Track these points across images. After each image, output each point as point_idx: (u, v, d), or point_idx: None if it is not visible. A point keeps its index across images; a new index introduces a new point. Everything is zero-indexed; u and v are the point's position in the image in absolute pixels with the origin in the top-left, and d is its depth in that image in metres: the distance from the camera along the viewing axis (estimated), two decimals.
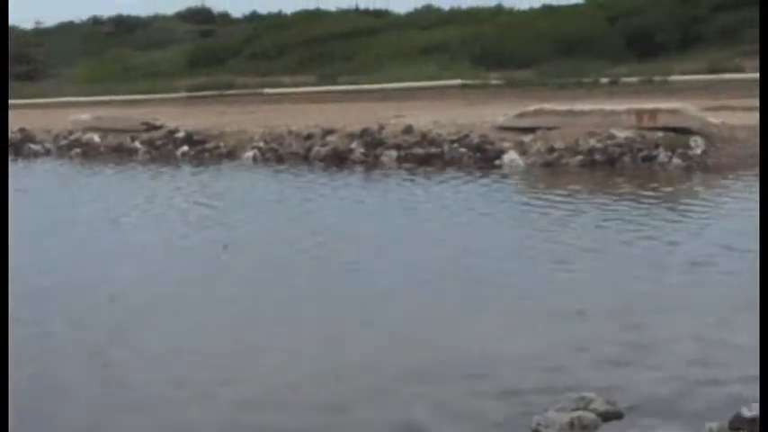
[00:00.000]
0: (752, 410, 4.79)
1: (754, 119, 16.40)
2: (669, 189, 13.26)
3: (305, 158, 17.76)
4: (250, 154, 18.44)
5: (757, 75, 29.39)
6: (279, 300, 7.95)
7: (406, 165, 16.40)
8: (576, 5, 51.92)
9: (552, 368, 6.02)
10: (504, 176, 14.92)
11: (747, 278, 7.55)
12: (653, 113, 16.06)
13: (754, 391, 4.96)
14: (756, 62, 33.01)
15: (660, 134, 15.59)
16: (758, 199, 11.77)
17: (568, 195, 12.81)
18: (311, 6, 60.85)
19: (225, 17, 53.68)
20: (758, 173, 13.72)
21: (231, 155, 18.73)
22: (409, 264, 9.12)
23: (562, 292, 7.87)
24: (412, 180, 14.96)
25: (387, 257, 9.47)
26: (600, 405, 5.22)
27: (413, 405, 5.53)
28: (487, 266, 8.80)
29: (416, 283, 8.33)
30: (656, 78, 28.16)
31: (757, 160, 14.62)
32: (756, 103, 19.58)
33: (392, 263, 9.21)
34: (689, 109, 16.37)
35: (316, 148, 17.87)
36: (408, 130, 17.61)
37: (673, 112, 16.11)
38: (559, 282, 8.25)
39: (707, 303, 7.31)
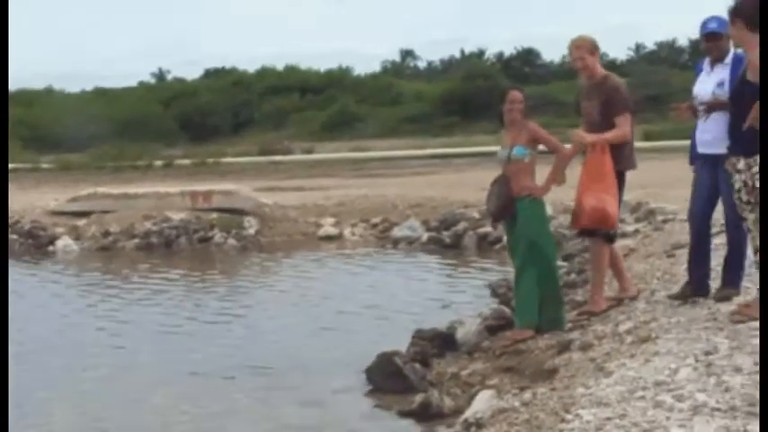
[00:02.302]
0: None
1: (303, 198, 17.24)
2: (216, 270, 13.49)
3: None
4: None
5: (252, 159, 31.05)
6: None
7: None
8: (129, 88, 52.17)
9: None
10: (58, 262, 14.46)
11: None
12: (207, 195, 16.36)
13: None
14: (304, 144, 34.85)
15: (215, 215, 15.89)
16: (300, 275, 12.38)
17: (117, 279, 12.72)
18: None
19: None
20: (310, 250, 14.45)
21: None
22: None
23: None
24: None
25: None
26: None
27: None
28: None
29: None
30: (210, 160, 28.84)
31: (306, 239, 15.38)
32: (303, 183, 20.65)
33: None
34: (242, 190, 16.84)
35: None
36: None
37: (226, 193, 16.50)
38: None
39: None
